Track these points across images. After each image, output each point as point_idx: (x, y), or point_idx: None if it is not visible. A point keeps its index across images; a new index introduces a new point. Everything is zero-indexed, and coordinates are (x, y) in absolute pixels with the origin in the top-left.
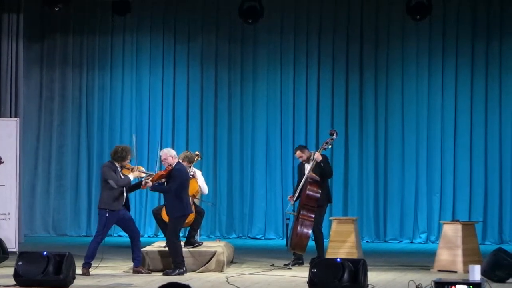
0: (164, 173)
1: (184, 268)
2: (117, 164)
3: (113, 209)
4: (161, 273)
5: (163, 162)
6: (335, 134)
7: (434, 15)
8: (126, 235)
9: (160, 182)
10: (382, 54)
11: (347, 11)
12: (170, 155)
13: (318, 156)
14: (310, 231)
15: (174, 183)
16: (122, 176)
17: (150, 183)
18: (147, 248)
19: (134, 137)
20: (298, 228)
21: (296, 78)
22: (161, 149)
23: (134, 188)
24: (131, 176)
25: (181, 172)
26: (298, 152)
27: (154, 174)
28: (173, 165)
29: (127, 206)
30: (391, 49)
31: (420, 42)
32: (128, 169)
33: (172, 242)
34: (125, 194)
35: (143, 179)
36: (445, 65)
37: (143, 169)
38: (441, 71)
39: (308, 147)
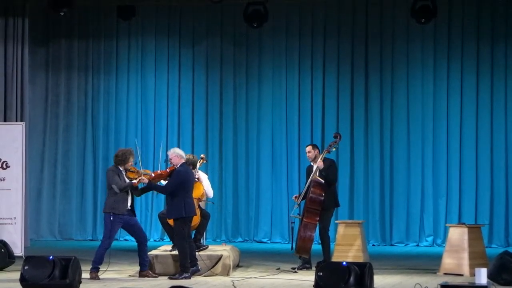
0: (163, 173)
1: (199, 268)
2: (120, 168)
3: (117, 212)
4: (167, 277)
5: (170, 162)
6: (338, 137)
7: (439, 18)
8: (133, 239)
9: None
10: (387, 57)
11: (352, 14)
12: (176, 155)
13: (320, 164)
14: (313, 234)
15: (170, 183)
16: (127, 180)
17: (146, 180)
18: (153, 252)
19: (136, 141)
20: (302, 231)
21: (301, 81)
22: (166, 150)
23: (145, 190)
24: (135, 181)
25: (180, 173)
26: (310, 147)
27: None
28: (178, 166)
29: (132, 211)
30: (396, 52)
31: (425, 45)
32: (133, 172)
33: (179, 244)
34: (129, 197)
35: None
36: (450, 68)
37: (149, 171)
38: (446, 73)
39: None
